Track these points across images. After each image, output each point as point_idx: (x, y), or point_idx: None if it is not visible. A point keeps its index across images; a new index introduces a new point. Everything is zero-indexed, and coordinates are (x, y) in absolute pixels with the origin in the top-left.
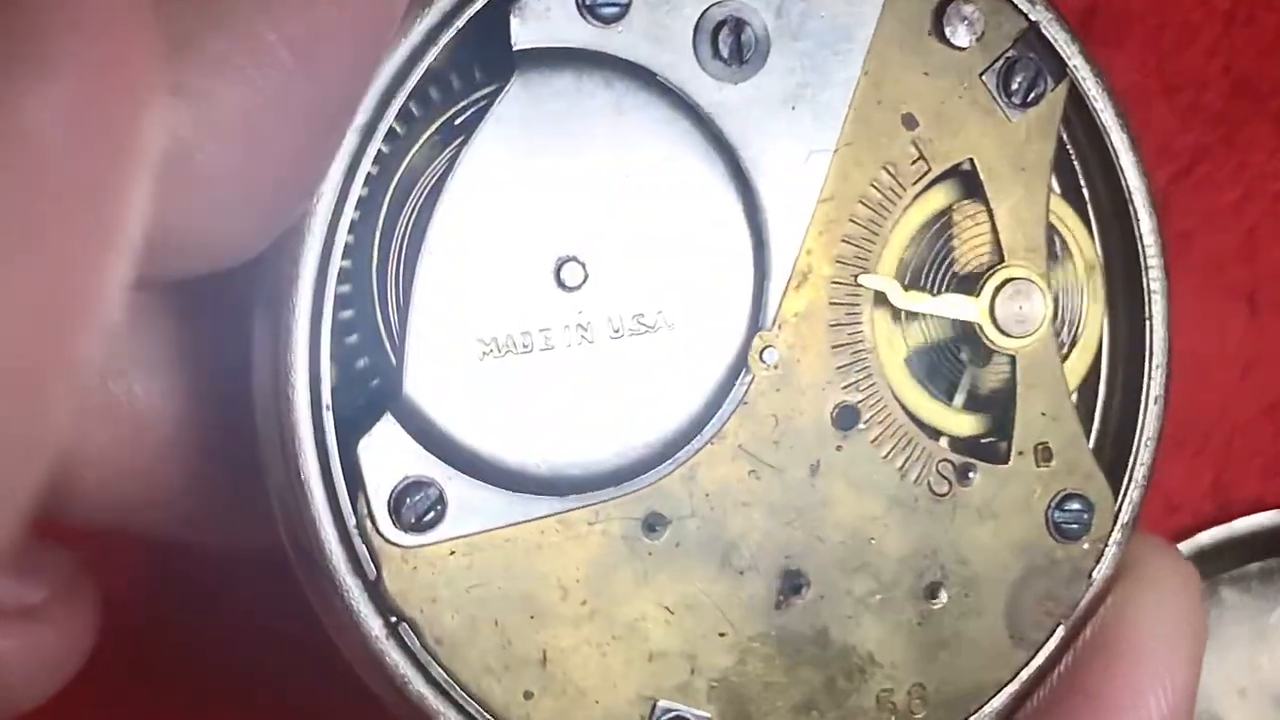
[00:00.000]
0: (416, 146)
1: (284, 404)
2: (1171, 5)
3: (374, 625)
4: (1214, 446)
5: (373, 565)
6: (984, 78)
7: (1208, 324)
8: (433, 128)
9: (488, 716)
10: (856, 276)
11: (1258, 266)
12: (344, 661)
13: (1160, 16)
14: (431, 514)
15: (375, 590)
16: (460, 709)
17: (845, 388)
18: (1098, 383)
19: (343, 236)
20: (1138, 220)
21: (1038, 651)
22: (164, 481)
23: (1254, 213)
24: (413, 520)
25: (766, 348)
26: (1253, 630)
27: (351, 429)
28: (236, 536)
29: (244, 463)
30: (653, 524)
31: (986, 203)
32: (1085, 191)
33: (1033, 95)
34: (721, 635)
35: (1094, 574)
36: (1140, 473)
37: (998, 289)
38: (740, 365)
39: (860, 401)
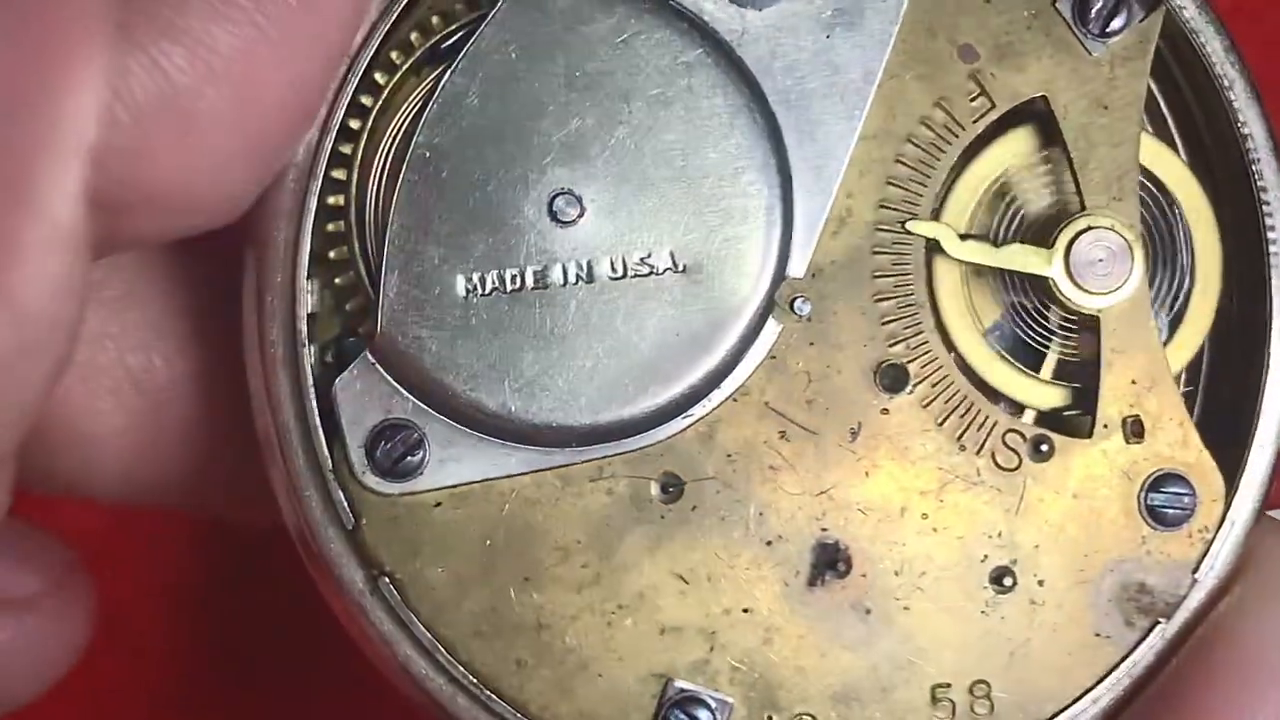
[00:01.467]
0: (401, 71)
1: (265, 343)
2: None
3: (355, 577)
4: None
5: (351, 514)
6: (1057, 5)
7: None
8: (419, 52)
9: (477, 685)
10: (905, 223)
11: None
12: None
13: None
14: (409, 458)
15: (355, 540)
16: (449, 676)
17: (892, 345)
18: (1202, 353)
19: (321, 168)
20: (1257, 176)
21: (1130, 654)
22: (183, 457)
23: None
24: (389, 464)
25: (797, 297)
26: None
27: (332, 371)
28: (253, 511)
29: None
30: (666, 484)
31: (1064, 146)
32: (1181, 143)
33: (1116, 24)
34: (746, 611)
35: (1200, 569)
36: (1261, 456)
37: (1073, 239)
38: (765, 315)
39: (910, 361)
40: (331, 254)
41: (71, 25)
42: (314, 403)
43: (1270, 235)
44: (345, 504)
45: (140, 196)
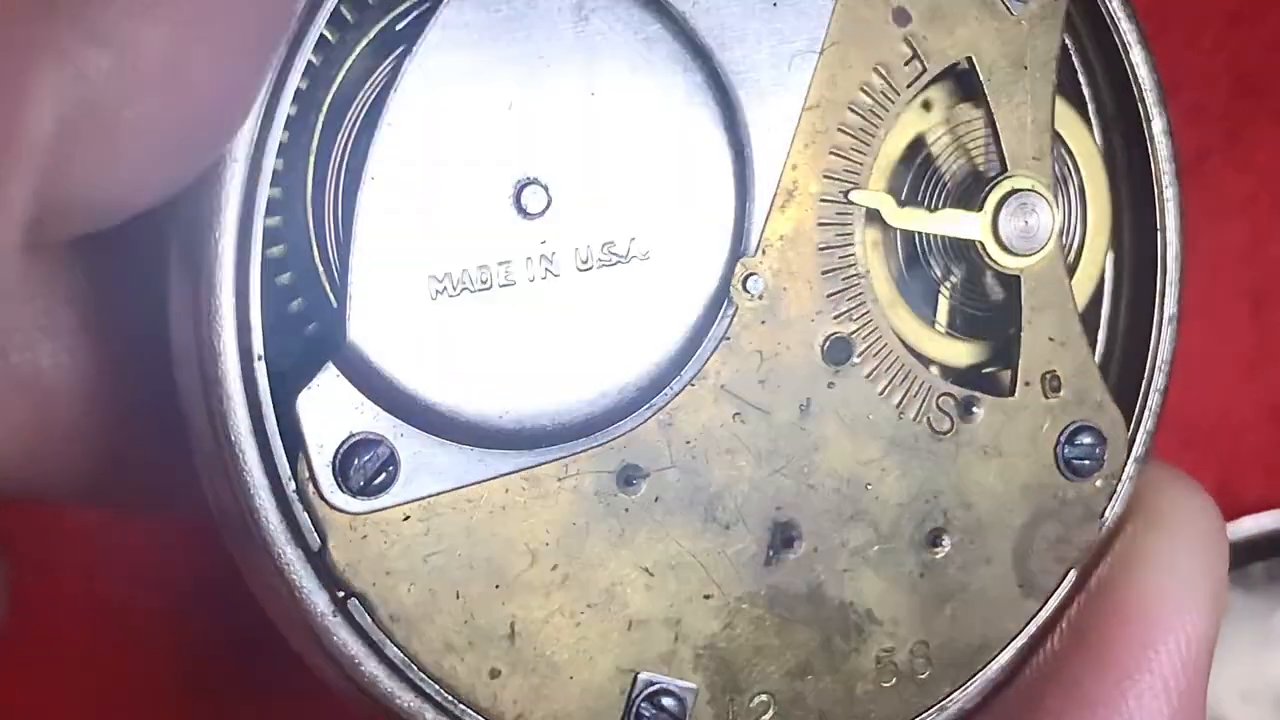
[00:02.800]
0: (352, 56)
1: (208, 355)
2: (1175, 3)
3: (319, 601)
4: (1218, 447)
5: (316, 535)
6: None
7: (1212, 324)
8: (370, 34)
9: (450, 699)
10: (847, 193)
11: (1262, 266)
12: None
13: (1163, 14)
14: (383, 475)
15: (320, 563)
16: (418, 691)
17: (837, 318)
18: (1099, 306)
19: (270, 161)
20: (1149, 122)
21: (1048, 600)
22: (76, 457)
23: (1258, 212)
24: (362, 483)
25: (750, 275)
26: (1257, 632)
27: (288, 382)
28: (160, 507)
29: (165, 432)
30: (629, 477)
31: (987, 107)
32: (1087, 92)
33: None
34: (707, 597)
35: (1106, 514)
36: (1155, 400)
37: (1001, 202)
38: (722, 297)
39: (854, 333)
40: (272, 251)
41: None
42: (274, 420)
43: (1163, 181)
44: (309, 524)
45: (62, 204)
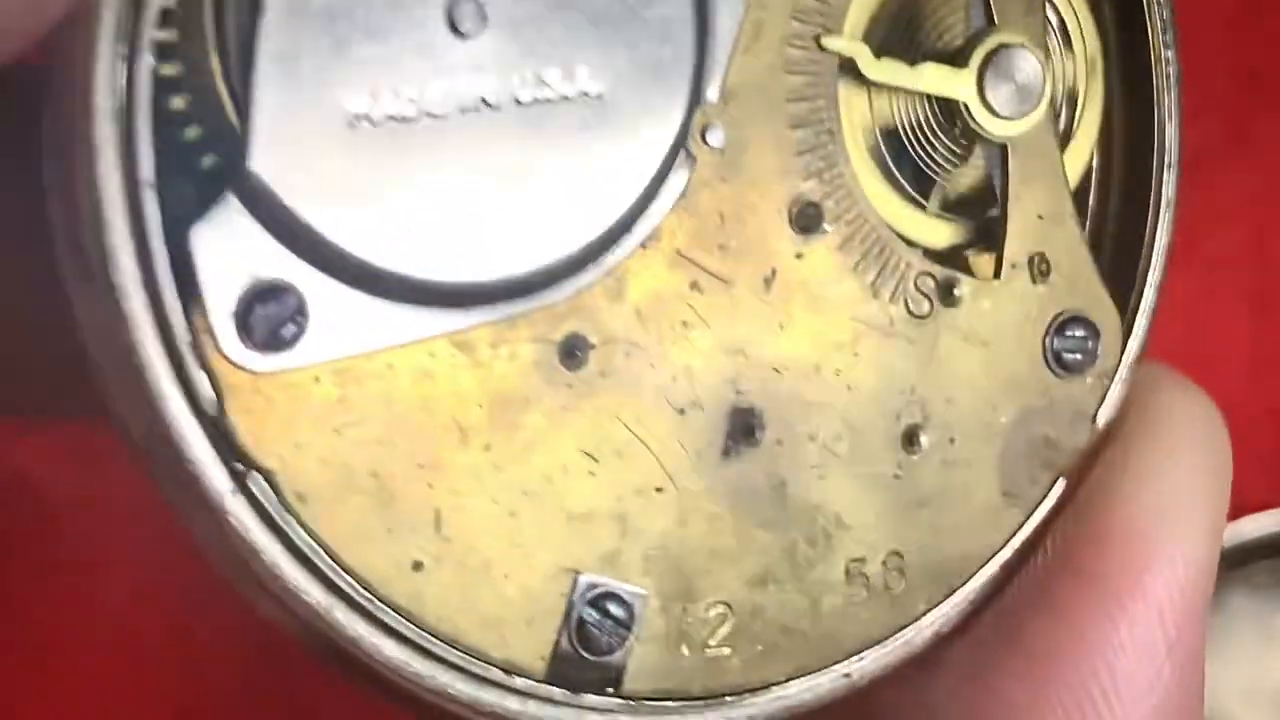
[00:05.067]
0: None
1: (88, 184)
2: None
3: (215, 476)
4: None
5: (214, 396)
6: None
7: (1213, 323)
8: None
9: (365, 594)
10: (819, 38)
11: (1265, 265)
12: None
13: None
14: (290, 327)
15: (217, 430)
16: (328, 584)
17: (807, 179)
18: (1088, 191)
19: None
20: None
21: (1034, 511)
22: None
23: (1262, 210)
24: (265, 335)
25: (709, 126)
26: (1259, 632)
27: (181, 218)
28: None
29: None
30: (572, 348)
31: None
32: None
33: None
34: (658, 490)
35: (1098, 417)
36: (1150, 294)
37: (988, 58)
38: (678, 148)
39: (825, 198)
40: (164, 69)
41: None
42: (166, 260)
43: (1162, 53)
44: (206, 383)
45: None
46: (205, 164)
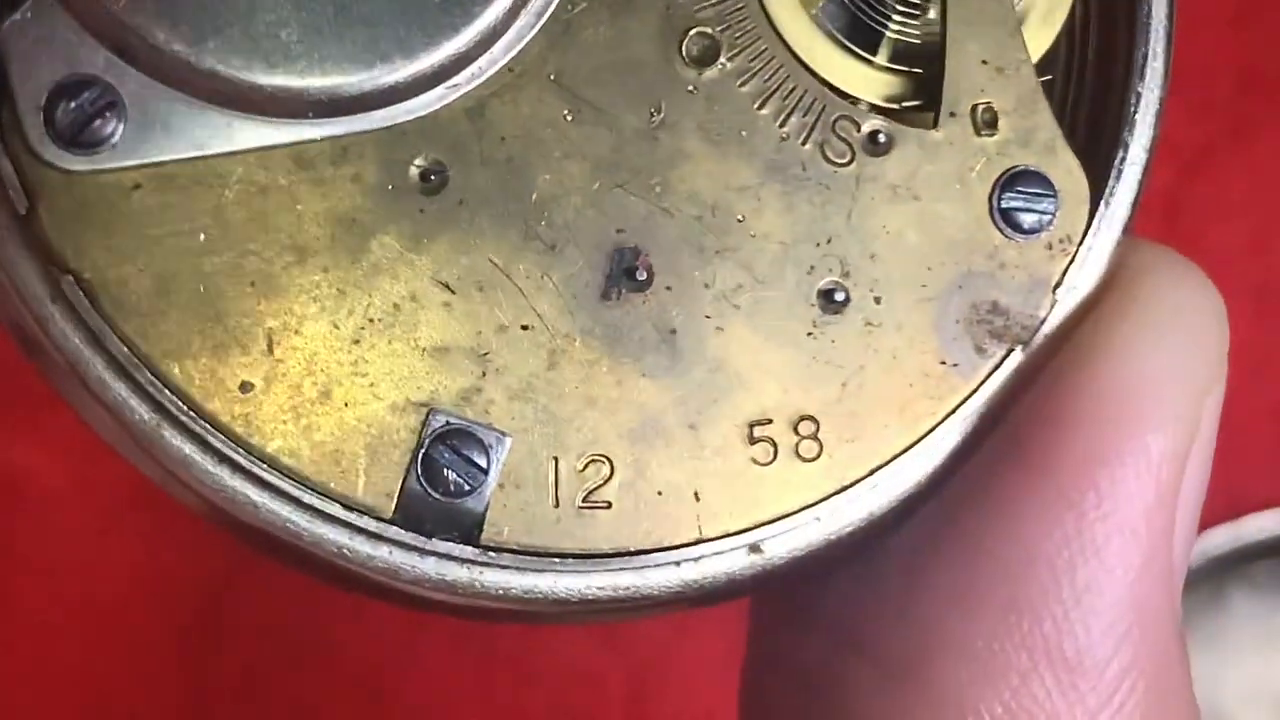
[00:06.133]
0: None
1: None
2: None
3: (31, 279)
4: (1220, 446)
5: (23, 194)
6: None
7: None
8: None
9: (189, 413)
10: None
11: (1266, 263)
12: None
13: None
14: (99, 123)
15: (29, 230)
16: (151, 401)
17: (701, 9)
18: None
19: None
20: None
21: (982, 385)
22: None
23: (1262, 209)
24: (73, 131)
25: None
26: (1261, 632)
27: None
28: None
29: None
30: (425, 171)
31: None
32: None
33: None
34: (525, 328)
35: (1060, 286)
36: (1138, 152)
37: None
38: None
39: (723, 29)
40: None
41: None
42: None
43: None
44: (16, 181)
45: None
46: None
